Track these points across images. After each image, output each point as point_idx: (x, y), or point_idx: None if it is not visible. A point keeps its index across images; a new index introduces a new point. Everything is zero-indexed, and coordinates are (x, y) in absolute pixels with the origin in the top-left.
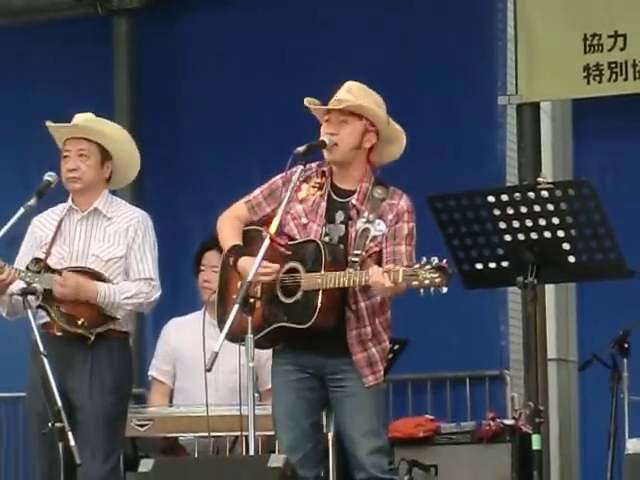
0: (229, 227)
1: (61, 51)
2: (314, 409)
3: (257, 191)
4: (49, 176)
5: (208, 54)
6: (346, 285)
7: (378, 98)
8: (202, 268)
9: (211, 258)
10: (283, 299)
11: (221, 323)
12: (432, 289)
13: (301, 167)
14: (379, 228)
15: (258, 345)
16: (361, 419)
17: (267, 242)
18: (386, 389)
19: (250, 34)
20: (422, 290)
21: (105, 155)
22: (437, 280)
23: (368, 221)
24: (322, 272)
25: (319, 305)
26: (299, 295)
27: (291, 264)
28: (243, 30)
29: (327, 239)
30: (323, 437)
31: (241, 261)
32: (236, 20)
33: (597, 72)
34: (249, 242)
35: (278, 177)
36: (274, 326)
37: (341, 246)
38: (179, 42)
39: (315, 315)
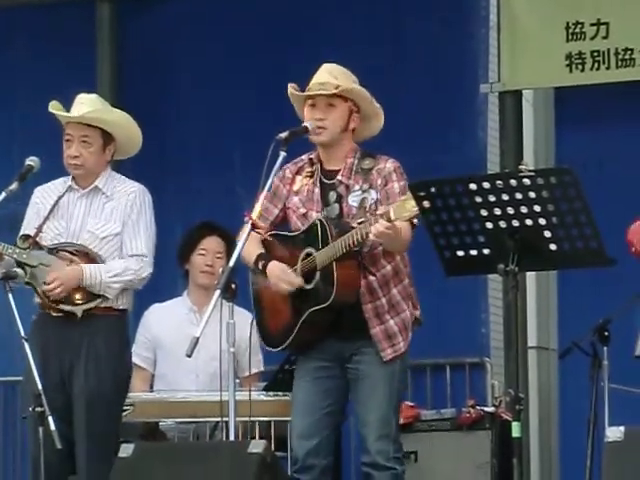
0: (252, 246)
1: (44, 36)
2: (331, 397)
3: (261, 198)
4: (31, 160)
5: (192, 39)
6: (352, 245)
7: (354, 77)
8: (203, 252)
9: (213, 244)
10: (306, 287)
11: (267, 337)
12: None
13: (284, 154)
14: (372, 197)
15: (296, 346)
16: (372, 403)
17: (249, 226)
18: (404, 368)
19: (235, 18)
20: (416, 220)
21: (107, 139)
22: (415, 207)
23: (363, 191)
24: (331, 244)
25: (336, 278)
26: (317, 276)
27: (305, 251)
28: (229, 14)
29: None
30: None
31: (270, 265)
32: (221, 4)
33: (579, 60)
34: (268, 249)
35: (275, 178)
36: (305, 315)
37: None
38: (163, 27)
39: (334, 290)
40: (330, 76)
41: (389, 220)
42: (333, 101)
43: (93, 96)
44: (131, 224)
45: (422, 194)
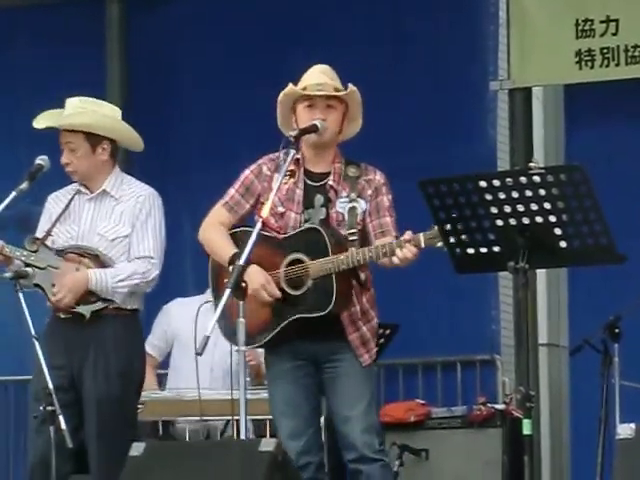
0: (218, 235)
1: (53, 35)
2: (312, 395)
3: (232, 191)
4: (41, 160)
5: (200, 38)
6: (361, 263)
7: None
8: None
9: None
10: (292, 292)
11: (226, 329)
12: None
13: (293, 152)
14: (361, 206)
15: (267, 344)
16: (353, 398)
17: (259, 225)
18: (377, 373)
19: (237, 19)
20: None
21: (96, 140)
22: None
23: (351, 200)
24: (330, 256)
25: (335, 290)
26: (309, 284)
27: (293, 256)
28: (231, 15)
29: (308, 225)
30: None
31: (252, 270)
32: (223, 5)
33: (589, 57)
34: (238, 245)
35: (247, 171)
36: (291, 319)
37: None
38: (171, 26)
39: (333, 300)
40: (325, 76)
41: (417, 246)
42: (332, 103)
43: (75, 100)
44: (139, 226)
45: (431, 191)
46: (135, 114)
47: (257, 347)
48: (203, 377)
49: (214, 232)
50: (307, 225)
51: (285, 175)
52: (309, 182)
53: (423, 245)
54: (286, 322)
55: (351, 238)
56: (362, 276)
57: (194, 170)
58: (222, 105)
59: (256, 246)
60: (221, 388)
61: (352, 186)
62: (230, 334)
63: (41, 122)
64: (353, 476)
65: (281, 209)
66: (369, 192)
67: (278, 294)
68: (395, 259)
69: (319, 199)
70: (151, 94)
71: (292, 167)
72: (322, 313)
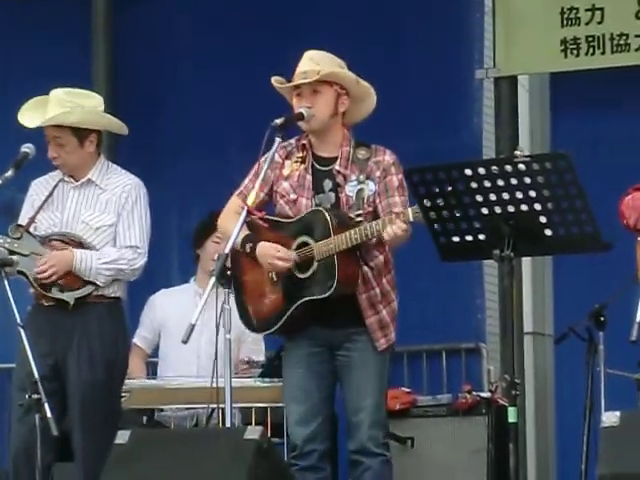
0: (233, 224)
1: (39, 27)
2: (326, 382)
3: (246, 180)
4: (27, 147)
5: (187, 28)
6: (359, 241)
7: (339, 60)
8: (217, 240)
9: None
10: (300, 275)
11: (247, 320)
12: None
13: (279, 140)
14: (370, 188)
15: (283, 330)
16: (366, 390)
17: (244, 214)
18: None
19: (232, 7)
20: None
21: (84, 134)
22: None
23: (360, 182)
24: (332, 237)
25: (337, 270)
26: (315, 266)
27: (300, 239)
28: (225, 4)
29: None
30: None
31: (261, 246)
32: None
33: (574, 46)
34: (255, 232)
35: (261, 160)
36: (298, 303)
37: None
38: (159, 16)
39: (335, 281)
40: (312, 63)
41: (405, 222)
42: (317, 87)
43: (60, 92)
44: (125, 215)
45: (417, 179)
46: (121, 104)
47: (270, 333)
48: (190, 364)
49: (230, 221)
50: (311, 208)
51: (296, 162)
52: (318, 167)
53: (412, 219)
54: (295, 306)
55: (357, 219)
56: (381, 258)
57: (180, 160)
58: (210, 94)
59: (266, 232)
60: (208, 376)
61: (361, 168)
62: (244, 318)
63: (30, 120)
64: (352, 466)
65: (293, 196)
66: (377, 173)
67: (293, 256)
68: (385, 235)
69: (327, 184)
70: (137, 84)
71: (302, 153)
72: (325, 295)
